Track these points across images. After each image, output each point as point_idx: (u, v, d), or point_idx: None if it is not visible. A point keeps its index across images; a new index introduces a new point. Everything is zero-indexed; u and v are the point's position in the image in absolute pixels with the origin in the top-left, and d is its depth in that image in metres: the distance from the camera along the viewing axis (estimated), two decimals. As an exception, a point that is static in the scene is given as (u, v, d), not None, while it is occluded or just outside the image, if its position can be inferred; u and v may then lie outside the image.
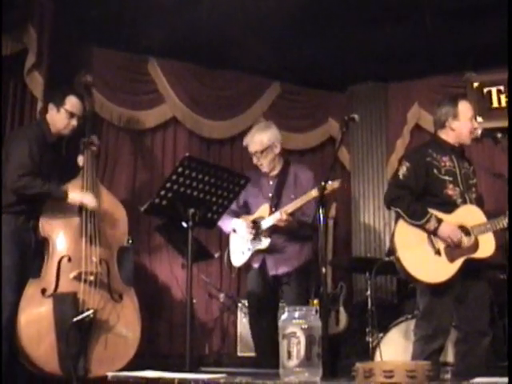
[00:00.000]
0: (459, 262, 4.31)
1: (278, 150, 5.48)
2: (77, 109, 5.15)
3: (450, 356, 4.96)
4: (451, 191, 4.46)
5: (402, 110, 7.30)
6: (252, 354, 5.84)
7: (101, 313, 4.83)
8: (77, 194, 4.96)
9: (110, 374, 3.38)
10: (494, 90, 6.94)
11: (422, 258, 4.35)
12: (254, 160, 5.47)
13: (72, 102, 5.12)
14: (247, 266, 5.42)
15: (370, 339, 5.58)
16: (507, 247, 4.86)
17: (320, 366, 3.19)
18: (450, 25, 6.04)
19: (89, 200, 4.97)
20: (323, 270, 3.87)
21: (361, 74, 7.27)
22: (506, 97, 6.87)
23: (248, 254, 5.34)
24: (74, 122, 5.13)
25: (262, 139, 5.40)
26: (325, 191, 4.48)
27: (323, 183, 4.37)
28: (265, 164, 5.44)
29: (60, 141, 5.25)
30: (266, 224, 5.26)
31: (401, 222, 4.45)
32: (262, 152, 5.41)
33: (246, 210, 5.52)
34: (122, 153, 6.61)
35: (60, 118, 5.10)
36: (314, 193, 4.87)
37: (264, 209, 5.36)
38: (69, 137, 5.26)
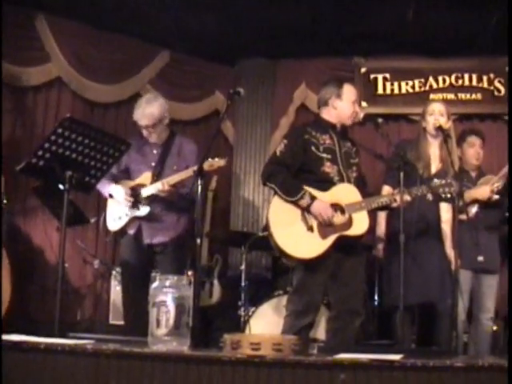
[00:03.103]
0: (331, 239, 4.38)
1: (166, 121, 5.45)
2: None
3: (321, 333, 5.09)
4: (328, 169, 4.52)
5: (289, 88, 7.36)
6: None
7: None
8: None
9: (-26, 335, 3.29)
10: (380, 77, 7.11)
11: (295, 234, 4.39)
12: (145, 133, 5.38)
13: None
14: (123, 231, 5.38)
15: (242, 313, 5.65)
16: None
17: (188, 335, 3.22)
18: (343, 8, 6.12)
19: None
20: (198, 241, 3.89)
21: (251, 49, 7.27)
22: (391, 84, 7.05)
23: (125, 220, 5.30)
24: None
25: (152, 113, 5.30)
26: (209, 167, 4.51)
27: (209, 159, 4.38)
28: (154, 136, 5.39)
29: None
30: (146, 192, 5.23)
31: (276, 199, 4.49)
32: (153, 126, 5.34)
33: (126, 175, 5.45)
34: (2, 109, 6.37)
35: None
36: None
37: (146, 176, 5.32)
38: None
